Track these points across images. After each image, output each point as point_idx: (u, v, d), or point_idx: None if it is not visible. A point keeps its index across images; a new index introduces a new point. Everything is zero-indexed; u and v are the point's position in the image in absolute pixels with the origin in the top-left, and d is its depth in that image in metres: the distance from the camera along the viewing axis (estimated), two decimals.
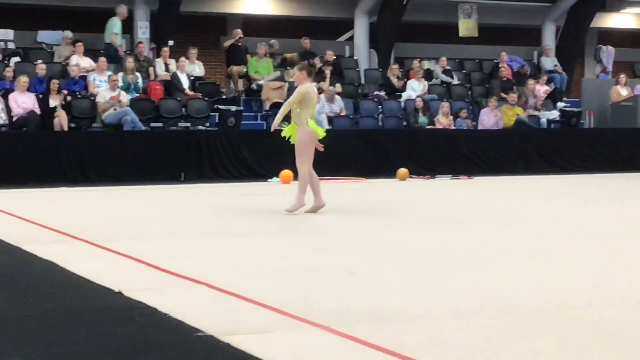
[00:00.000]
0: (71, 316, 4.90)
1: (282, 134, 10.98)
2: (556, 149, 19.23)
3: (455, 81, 23.11)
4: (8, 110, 17.57)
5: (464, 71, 24.36)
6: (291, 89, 20.55)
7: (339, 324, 4.76)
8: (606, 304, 5.56)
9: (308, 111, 10.76)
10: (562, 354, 4.29)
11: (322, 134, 10.92)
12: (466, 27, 24.19)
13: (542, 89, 22.35)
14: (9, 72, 18.50)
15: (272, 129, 11.25)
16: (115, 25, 20.72)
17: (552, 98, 22.58)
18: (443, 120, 19.85)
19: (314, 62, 11.82)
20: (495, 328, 4.77)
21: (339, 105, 20.03)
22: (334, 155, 17.14)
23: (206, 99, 19.08)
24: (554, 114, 21.87)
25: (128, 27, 22.41)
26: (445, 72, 23.18)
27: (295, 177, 15.76)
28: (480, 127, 20.17)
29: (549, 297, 5.68)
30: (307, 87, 10.90)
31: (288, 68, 20.65)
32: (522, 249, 7.94)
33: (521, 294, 5.79)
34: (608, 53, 25.21)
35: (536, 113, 21.37)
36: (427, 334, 4.62)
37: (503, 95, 21.68)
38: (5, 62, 19.46)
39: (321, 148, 11.00)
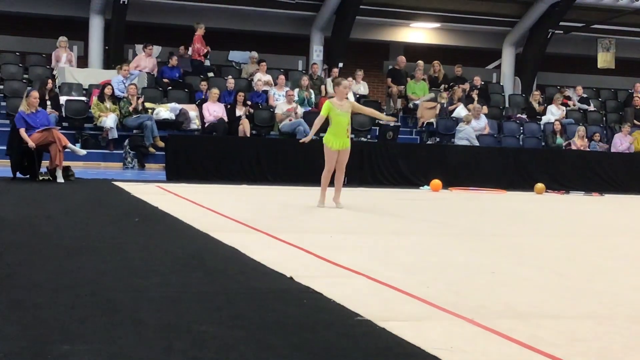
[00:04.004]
0: (249, 295, 4.96)
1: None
2: None
3: (592, 108, 22.53)
4: (201, 117, 18.13)
5: (600, 99, 23.70)
6: (443, 109, 20.42)
7: (481, 317, 4.66)
8: None
9: (330, 127, 10.72)
10: None
11: (335, 146, 10.70)
12: (604, 59, 23.55)
13: None
14: (203, 86, 19.09)
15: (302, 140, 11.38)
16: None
17: None
18: (578, 142, 19.35)
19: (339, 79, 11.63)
20: (627, 332, 4.56)
21: (483, 121, 19.79)
22: (479, 168, 16.97)
23: None
24: None
25: (304, 50, 22.77)
26: (582, 99, 22.60)
27: (444, 187, 15.69)
28: (613, 150, 19.56)
29: None
30: (328, 101, 10.87)
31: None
32: None
33: None
34: None
35: None
36: (562, 332, 4.46)
37: (636, 122, 20.99)
38: (202, 77, 20.08)
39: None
